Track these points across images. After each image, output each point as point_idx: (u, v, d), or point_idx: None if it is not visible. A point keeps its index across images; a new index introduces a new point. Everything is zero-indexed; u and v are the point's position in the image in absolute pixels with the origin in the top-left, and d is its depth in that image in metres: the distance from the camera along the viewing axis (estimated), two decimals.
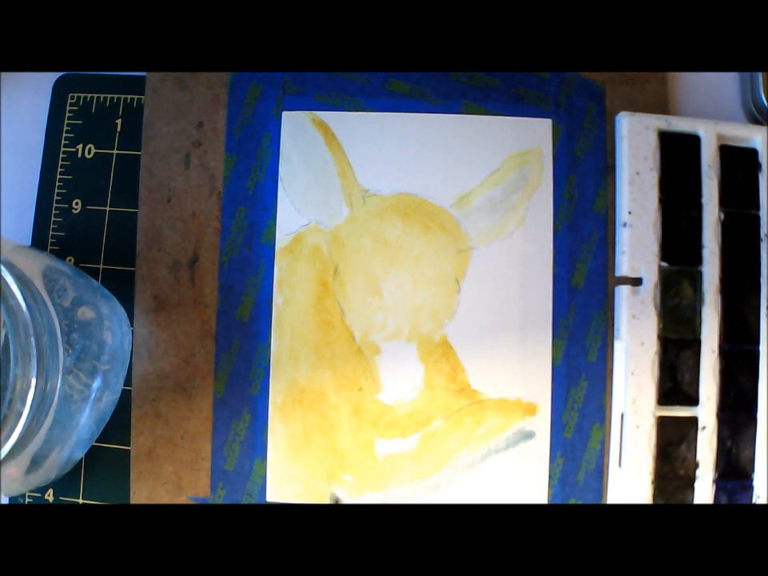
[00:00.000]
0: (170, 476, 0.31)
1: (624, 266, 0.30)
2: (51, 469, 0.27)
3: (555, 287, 0.31)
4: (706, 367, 0.29)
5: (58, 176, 0.33)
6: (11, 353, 0.22)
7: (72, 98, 0.33)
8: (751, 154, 0.30)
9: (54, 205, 0.33)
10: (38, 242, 0.33)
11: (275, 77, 0.32)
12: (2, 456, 0.22)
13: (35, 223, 0.33)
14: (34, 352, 0.23)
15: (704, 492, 0.29)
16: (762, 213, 0.30)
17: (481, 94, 0.32)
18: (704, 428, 0.29)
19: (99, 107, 0.33)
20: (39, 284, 0.25)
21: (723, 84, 0.33)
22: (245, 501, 0.31)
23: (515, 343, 0.31)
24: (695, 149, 0.30)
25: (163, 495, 0.31)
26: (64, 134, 0.33)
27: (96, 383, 0.27)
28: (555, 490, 0.30)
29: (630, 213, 0.30)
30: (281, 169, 0.32)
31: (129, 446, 0.31)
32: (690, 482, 0.29)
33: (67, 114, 0.33)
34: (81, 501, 0.31)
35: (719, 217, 0.30)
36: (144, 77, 0.32)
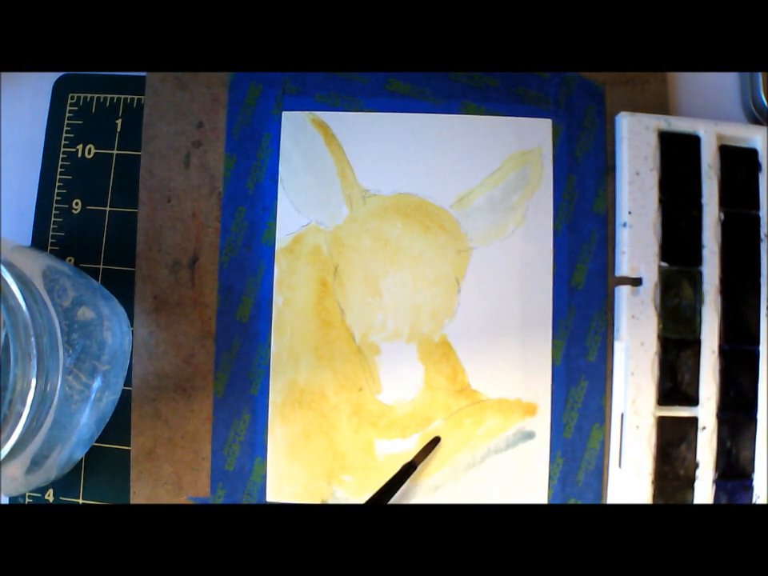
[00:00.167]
0: (169, 476, 0.31)
1: (624, 266, 0.30)
2: (51, 469, 0.27)
3: (555, 287, 0.31)
4: (705, 367, 0.29)
5: (58, 176, 0.33)
6: (11, 353, 0.22)
7: (72, 98, 0.33)
8: (751, 154, 0.30)
9: (54, 205, 0.33)
10: (38, 242, 0.33)
11: (275, 77, 0.32)
12: (2, 456, 0.22)
13: (35, 223, 0.33)
14: (34, 352, 0.23)
15: (704, 492, 0.29)
16: (762, 213, 0.30)
17: (481, 93, 0.32)
18: (704, 428, 0.29)
19: (99, 107, 0.33)
20: (39, 284, 0.25)
21: (723, 84, 0.33)
22: (245, 501, 0.31)
23: (515, 343, 0.31)
24: (695, 149, 0.30)
25: (163, 495, 0.31)
26: (64, 134, 0.33)
27: (96, 383, 0.27)
28: (555, 490, 0.30)
29: (629, 213, 0.30)
30: (281, 169, 0.32)
31: (129, 446, 0.31)
32: (690, 481, 0.29)
33: (67, 114, 0.33)
34: (81, 501, 0.31)
35: (719, 217, 0.30)
36: (144, 77, 0.32)
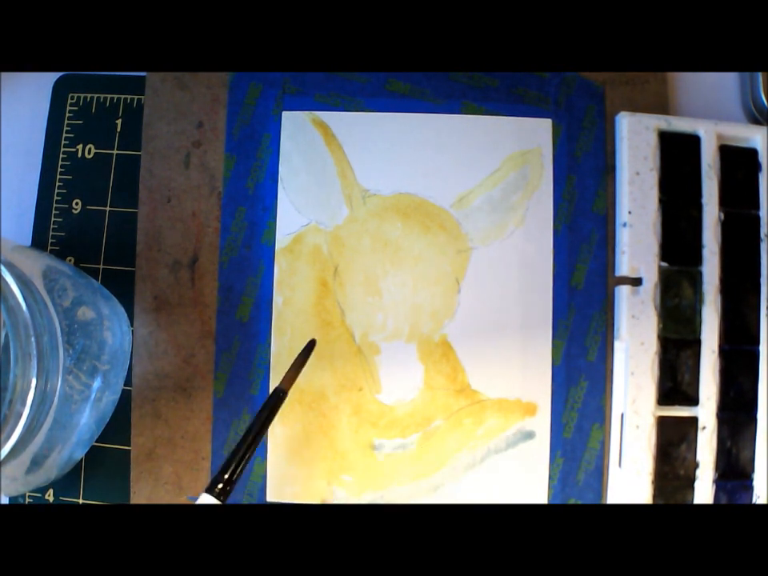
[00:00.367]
0: (169, 476, 0.31)
1: (624, 266, 0.30)
2: (51, 469, 0.27)
3: (555, 287, 0.31)
4: (705, 367, 0.29)
5: (58, 176, 0.33)
6: (11, 353, 0.22)
7: (72, 98, 0.33)
8: (751, 154, 0.30)
9: (54, 205, 0.33)
10: (38, 242, 0.33)
11: (275, 77, 0.32)
12: (3, 456, 0.22)
13: (35, 223, 0.33)
14: (34, 352, 0.23)
15: (704, 492, 0.29)
16: (762, 213, 0.30)
17: (481, 93, 0.32)
18: (704, 428, 0.29)
19: (99, 107, 0.33)
20: (39, 284, 0.25)
21: (723, 84, 0.33)
22: (245, 501, 0.31)
23: (515, 343, 0.31)
24: (695, 149, 0.30)
25: (163, 495, 0.31)
26: (64, 134, 0.33)
27: (96, 383, 0.27)
28: (555, 490, 0.30)
29: (630, 213, 0.30)
30: (281, 169, 0.32)
31: (129, 446, 0.31)
32: (690, 481, 0.29)
33: (67, 114, 0.33)
34: (81, 501, 0.31)
35: (719, 217, 0.30)
36: (144, 77, 0.32)
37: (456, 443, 0.31)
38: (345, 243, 0.31)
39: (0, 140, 0.34)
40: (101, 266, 0.32)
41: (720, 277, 0.30)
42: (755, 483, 0.29)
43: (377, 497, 0.30)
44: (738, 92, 0.33)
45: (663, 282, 0.30)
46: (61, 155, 0.33)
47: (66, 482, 0.31)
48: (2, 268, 0.22)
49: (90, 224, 0.33)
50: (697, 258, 0.30)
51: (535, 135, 0.32)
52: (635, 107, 0.31)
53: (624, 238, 0.30)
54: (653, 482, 0.29)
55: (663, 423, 0.29)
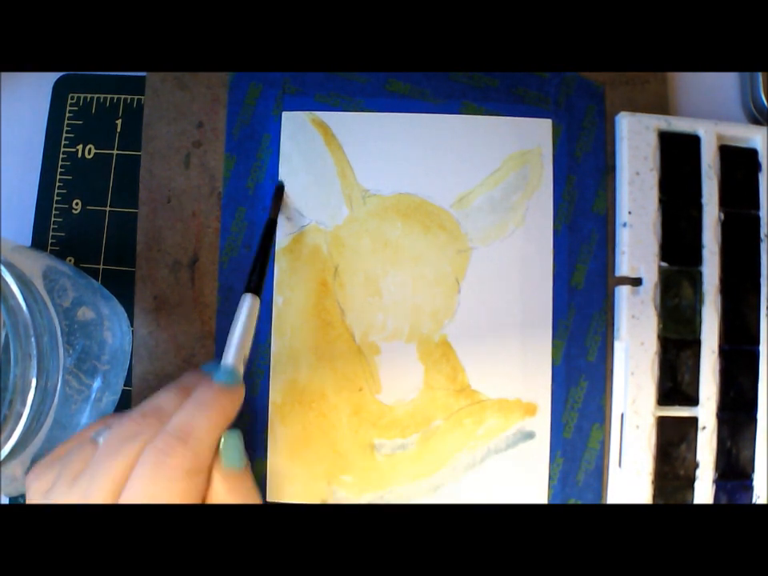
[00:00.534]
0: None
1: (624, 266, 0.30)
2: None
3: (555, 287, 0.31)
4: (705, 367, 0.29)
5: (58, 176, 0.33)
6: (11, 353, 0.22)
7: (72, 98, 0.33)
8: (751, 154, 0.30)
9: (54, 205, 0.33)
10: (38, 242, 0.33)
11: (275, 77, 0.32)
12: (3, 456, 0.22)
13: (35, 223, 0.33)
14: (34, 352, 0.23)
15: (704, 492, 0.29)
16: (762, 213, 0.30)
17: (481, 93, 0.32)
18: (704, 428, 0.29)
19: (99, 107, 0.33)
20: (39, 284, 0.25)
21: (723, 84, 0.33)
22: None
23: (515, 343, 0.31)
24: (695, 149, 0.30)
25: None
26: (64, 134, 0.33)
27: (96, 383, 0.27)
28: (555, 490, 0.30)
29: (630, 213, 0.30)
30: (281, 169, 0.32)
31: None
32: (690, 481, 0.29)
33: (67, 115, 0.33)
34: None
35: (719, 217, 0.30)
36: (144, 77, 0.32)
37: (456, 443, 0.31)
38: (345, 243, 0.31)
39: (0, 140, 0.34)
40: (101, 267, 0.32)
41: (720, 277, 0.30)
42: (755, 483, 0.29)
43: (377, 497, 0.30)
44: (738, 92, 0.33)
45: (663, 282, 0.30)
46: (61, 155, 0.33)
47: None
48: (2, 268, 0.23)
49: (90, 224, 0.33)
50: (697, 258, 0.30)
51: (535, 135, 0.32)
52: (635, 107, 0.31)
53: (624, 238, 0.30)
54: (653, 482, 0.29)
55: (663, 423, 0.29)
